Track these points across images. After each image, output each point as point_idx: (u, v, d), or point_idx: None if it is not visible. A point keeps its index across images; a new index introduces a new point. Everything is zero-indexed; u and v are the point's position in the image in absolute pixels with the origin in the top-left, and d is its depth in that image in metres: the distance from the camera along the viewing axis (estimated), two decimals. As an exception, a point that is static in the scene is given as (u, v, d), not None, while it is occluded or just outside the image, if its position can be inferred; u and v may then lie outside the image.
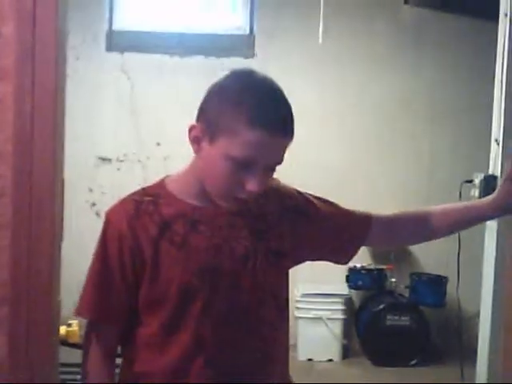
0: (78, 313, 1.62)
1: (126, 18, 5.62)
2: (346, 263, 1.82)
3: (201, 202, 1.58)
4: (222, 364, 1.58)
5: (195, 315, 1.56)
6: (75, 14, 5.09)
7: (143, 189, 1.64)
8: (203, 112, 1.52)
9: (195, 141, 1.53)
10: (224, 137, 1.46)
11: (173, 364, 1.58)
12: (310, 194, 1.77)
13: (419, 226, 1.78)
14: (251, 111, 1.44)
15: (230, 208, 1.57)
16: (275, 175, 1.76)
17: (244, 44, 5.58)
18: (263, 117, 1.44)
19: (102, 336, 1.64)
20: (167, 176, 1.67)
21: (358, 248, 1.78)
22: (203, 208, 1.58)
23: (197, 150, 1.54)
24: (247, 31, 5.62)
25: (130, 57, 5.53)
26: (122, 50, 5.53)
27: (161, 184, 1.64)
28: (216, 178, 1.52)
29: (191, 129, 1.53)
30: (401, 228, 1.80)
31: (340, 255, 1.79)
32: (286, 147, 1.51)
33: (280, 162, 1.52)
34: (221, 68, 5.51)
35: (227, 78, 1.54)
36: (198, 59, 5.51)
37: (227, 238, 1.58)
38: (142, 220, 1.56)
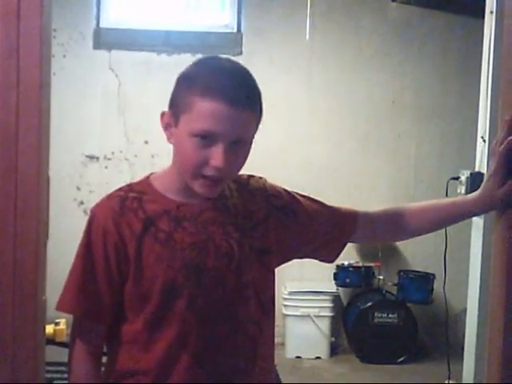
0: (60, 307, 1.61)
1: (114, 16, 5.60)
2: (332, 261, 1.82)
3: (185, 198, 1.58)
4: (207, 362, 1.58)
5: (179, 312, 1.55)
6: (62, 12, 5.09)
7: (128, 185, 1.64)
8: (170, 98, 1.56)
9: (166, 128, 1.56)
10: (184, 114, 1.49)
11: (157, 361, 1.57)
12: (297, 193, 1.77)
13: (405, 222, 1.77)
14: (204, 82, 1.47)
15: (204, 194, 1.56)
16: (262, 174, 1.77)
17: (231, 42, 5.57)
18: (215, 86, 1.45)
19: (86, 333, 1.63)
20: (153, 173, 1.67)
21: (345, 245, 1.78)
22: (188, 204, 1.58)
23: (169, 137, 1.56)
24: (235, 29, 5.61)
25: (118, 54, 5.52)
26: (110, 47, 5.51)
27: (146, 180, 1.64)
28: (183, 159, 1.53)
29: (162, 116, 1.56)
30: (387, 224, 1.79)
31: (327, 253, 1.79)
32: (249, 121, 1.51)
33: (244, 136, 1.52)
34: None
35: (190, 65, 1.56)
36: (186, 57, 5.49)
37: (212, 234, 1.58)
38: (127, 216, 1.56)
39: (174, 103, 1.54)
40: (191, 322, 1.56)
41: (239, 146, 1.51)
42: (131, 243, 1.55)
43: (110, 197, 1.61)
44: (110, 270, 1.56)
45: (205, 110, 1.45)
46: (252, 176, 1.75)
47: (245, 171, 1.67)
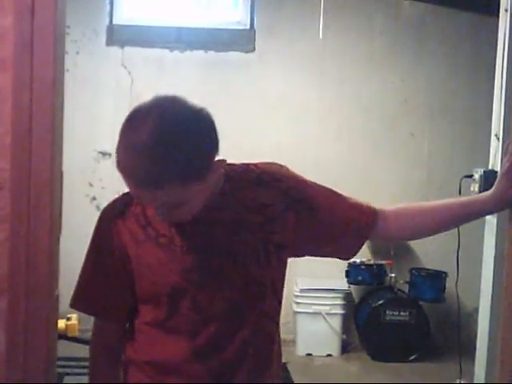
0: (72, 305, 1.66)
1: (127, 13, 5.62)
2: (349, 259, 1.79)
3: None
4: (212, 359, 1.58)
5: (185, 313, 1.57)
6: (76, 9, 5.10)
7: None
8: None
9: None
10: None
11: (163, 359, 1.60)
12: (318, 185, 1.73)
13: (423, 220, 1.75)
14: (120, 161, 1.41)
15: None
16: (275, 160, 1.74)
17: (244, 38, 5.57)
18: (127, 171, 1.41)
19: (101, 330, 1.68)
20: None
21: (363, 242, 1.75)
22: None
23: None
24: (247, 26, 5.61)
25: (131, 51, 5.53)
26: (123, 44, 5.52)
27: None
28: None
29: None
30: (405, 222, 1.76)
31: (344, 250, 1.76)
32: (173, 193, 1.41)
33: (178, 201, 1.45)
34: (221, 62, 5.52)
35: (140, 105, 1.49)
36: (198, 54, 5.50)
37: (213, 234, 1.57)
38: (129, 222, 1.58)
39: None
40: (197, 321, 1.57)
41: (176, 206, 1.47)
42: (132, 248, 1.57)
43: (116, 201, 1.64)
44: (115, 271, 1.60)
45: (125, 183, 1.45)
46: (272, 164, 1.71)
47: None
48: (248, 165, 1.67)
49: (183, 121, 1.40)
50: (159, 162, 1.37)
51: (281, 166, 1.72)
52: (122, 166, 1.41)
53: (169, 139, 1.37)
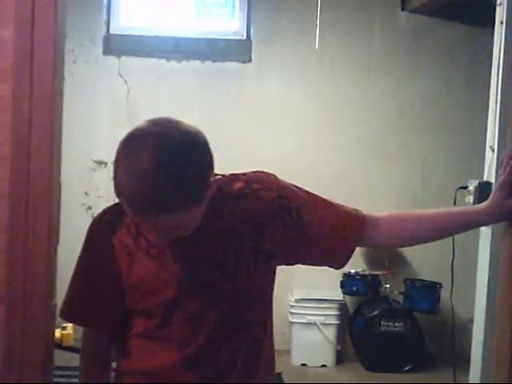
0: (61, 315, 1.68)
1: (124, 22, 5.63)
2: (341, 266, 1.77)
3: None
4: (204, 367, 1.59)
5: (177, 324, 1.58)
6: (73, 18, 5.10)
7: None
8: None
9: None
10: None
11: (155, 369, 1.61)
12: (307, 192, 1.73)
13: (416, 228, 1.75)
14: (120, 197, 1.43)
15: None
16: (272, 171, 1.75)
17: (241, 49, 5.59)
18: (128, 198, 1.41)
19: (91, 341, 1.69)
20: None
21: (353, 250, 1.74)
22: None
23: None
24: (244, 36, 5.63)
25: (127, 61, 5.54)
26: (120, 53, 5.53)
27: None
28: None
29: None
30: (397, 229, 1.76)
31: (334, 258, 1.75)
32: (177, 217, 1.43)
33: (180, 225, 1.47)
34: (218, 72, 5.53)
35: (136, 131, 1.46)
36: (195, 64, 5.52)
37: (204, 245, 1.58)
38: (119, 233, 1.59)
39: None
40: (188, 331, 1.58)
41: (177, 229, 1.49)
42: (123, 259, 1.58)
43: (105, 211, 1.65)
44: (105, 282, 1.60)
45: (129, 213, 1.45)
46: (260, 172, 1.71)
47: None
48: (236, 175, 1.68)
49: (182, 146, 1.40)
50: (162, 190, 1.37)
51: (269, 174, 1.72)
52: (124, 193, 1.41)
53: (170, 166, 1.38)
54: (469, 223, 1.75)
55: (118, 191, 1.42)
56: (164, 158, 1.38)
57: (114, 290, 1.59)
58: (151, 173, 1.36)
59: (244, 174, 1.68)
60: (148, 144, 1.39)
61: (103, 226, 1.60)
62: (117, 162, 1.42)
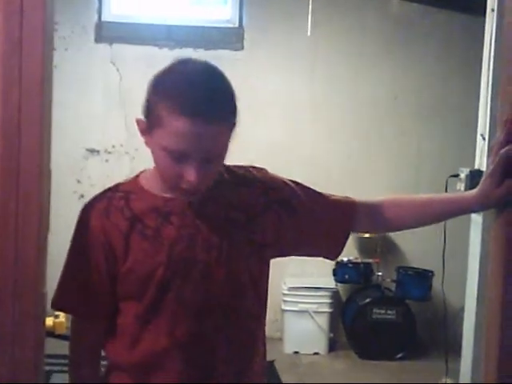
0: (54, 305, 1.67)
1: (116, 10, 5.61)
2: (336, 257, 1.79)
3: (173, 194, 1.58)
4: (195, 356, 1.59)
5: (168, 306, 1.57)
6: (65, 5, 5.09)
7: (116, 185, 1.65)
8: (143, 105, 1.53)
9: (143, 134, 1.54)
10: (156, 128, 1.47)
11: (143, 356, 1.59)
12: (297, 183, 1.75)
13: (404, 214, 1.77)
14: (172, 99, 1.43)
15: (185, 199, 1.57)
16: (265, 166, 1.76)
17: (233, 37, 5.58)
18: (184, 104, 1.42)
19: (82, 330, 1.68)
20: (144, 170, 1.67)
21: (347, 237, 1.76)
22: (175, 199, 1.58)
23: (146, 143, 1.54)
24: (237, 24, 5.61)
25: (119, 48, 5.52)
26: (111, 41, 5.52)
27: (135, 180, 1.65)
28: (160, 170, 1.54)
29: (137, 123, 1.54)
30: (386, 214, 1.76)
31: (329, 247, 1.76)
32: (222, 135, 1.49)
33: (217, 150, 1.50)
34: (210, 60, 5.52)
35: (164, 67, 1.54)
36: (188, 51, 5.49)
37: (200, 228, 1.58)
38: (113, 216, 1.58)
39: (146, 113, 1.51)
40: (180, 315, 1.57)
41: (213, 158, 1.50)
42: (119, 243, 1.57)
43: (97, 197, 1.63)
44: (99, 269, 1.59)
45: (175, 130, 1.43)
46: (252, 167, 1.74)
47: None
48: (228, 166, 1.69)
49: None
50: (227, 93, 1.50)
51: (260, 168, 1.75)
52: (177, 96, 1.43)
53: (223, 76, 1.52)
54: (458, 210, 1.76)
55: (167, 95, 1.45)
56: (217, 70, 1.52)
57: (108, 278, 1.58)
58: (215, 75, 1.50)
59: (236, 166, 1.70)
60: (197, 61, 1.55)
61: (95, 213, 1.59)
62: (167, 72, 1.52)
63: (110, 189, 1.63)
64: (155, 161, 1.53)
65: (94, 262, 1.58)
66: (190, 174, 1.47)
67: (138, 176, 1.66)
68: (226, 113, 1.48)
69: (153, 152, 1.52)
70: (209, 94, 1.44)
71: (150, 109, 1.49)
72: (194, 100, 1.42)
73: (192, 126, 1.42)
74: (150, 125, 1.49)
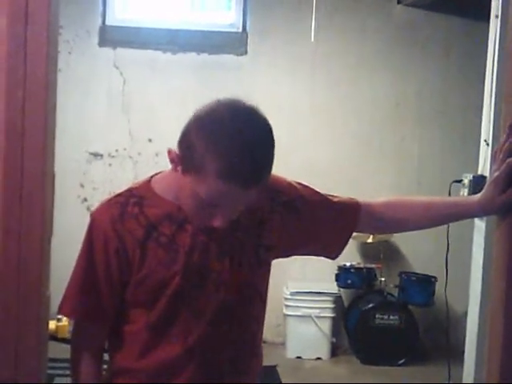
0: (62, 311, 1.65)
1: (120, 14, 5.62)
2: (337, 256, 1.80)
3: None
4: (209, 362, 1.59)
5: (182, 315, 1.57)
6: (69, 9, 5.10)
7: (129, 189, 1.63)
8: (181, 139, 1.48)
9: (172, 161, 1.50)
10: (193, 175, 1.43)
11: (159, 361, 1.59)
12: (300, 184, 1.76)
13: (407, 216, 1.78)
14: (220, 162, 1.39)
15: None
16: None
17: (236, 41, 5.58)
18: (231, 170, 1.39)
19: (87, 335, 1.67)
20: (155, 174, 1.66)
21: (348, 238, 1.77)
22: None
23: (174, 169, 1.51)
24: (240, 28, 5.62)
25: (123, 52, 5.53)
26: (115, 45, 5.52)
27: (147, 184, 1.63)
28: (186, 204, 1.52)
29: (169, 152, 1.49)
30: (389, 215, 1.78)
31: (330, 248, 1.78)
32: (255, 192, 1.47)
33: (250, 202, 1.51)
34: (213, 64, 5.52)
35: (210, 109, 1.46)
36: (191, 56, 5.51)
37: (212, 235, 1.57)
38: (128, 223, 1.56)
39: (183, 152, 1.46)
40: (192, 323, 1.58)
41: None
42: (134, 249, 1.56)
43: (110, 202, 1.61)
44: (111, 276, 1.58)
45: (215, 188, 1.41)
46: None
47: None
48: None
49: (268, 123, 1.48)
50: (268, 160, 1.45)
51: None
52: (235, 170, 1.39)
53: (272, 138, 1.46)
54: (461, 214, 1.76)
55: (218, 155, 1.38)
56: (269, 130, 1.46)
57: (119, 284, 1.58)
58: (257, 136, 1.43)
59: None
60: (252, 117, 1.46)
61: (108, 219, 1.57)
62: (218, 122, 1.42)
63: (121, 194, 1.61)
64: (183, 193, 1.51)
65: (107, 266, 1.57)
66: (219, 220, 1.48)
67: (149, 181, 1.64)
68: (268, 174, 1.48)
69: (182, 183, 1.49)
70: (259, 167, 1.43)
71: (191, 153, 1.43)
72: (246, 175, 1.40)
73: (234, 191, 1.42)
74: (187, 166, 1.45)
